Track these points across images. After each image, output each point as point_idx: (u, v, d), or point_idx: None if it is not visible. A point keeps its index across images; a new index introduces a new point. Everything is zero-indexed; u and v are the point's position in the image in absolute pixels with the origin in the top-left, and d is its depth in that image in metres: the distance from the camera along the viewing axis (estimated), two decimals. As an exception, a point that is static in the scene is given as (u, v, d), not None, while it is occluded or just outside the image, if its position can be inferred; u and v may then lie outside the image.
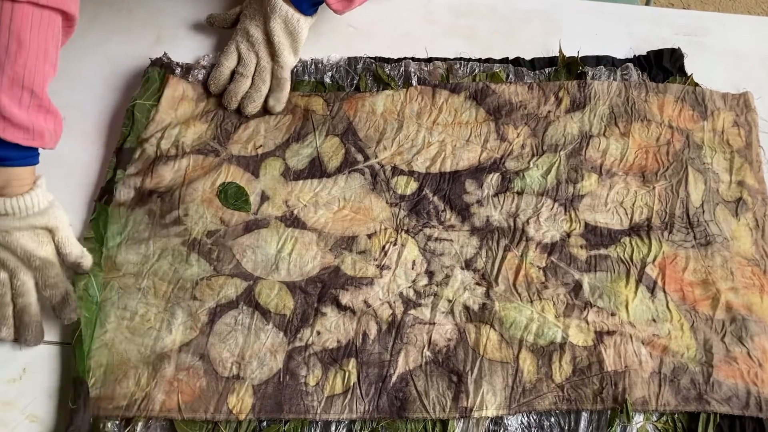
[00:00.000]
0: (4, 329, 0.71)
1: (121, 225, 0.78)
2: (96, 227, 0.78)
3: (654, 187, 0.81)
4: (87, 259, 0.74)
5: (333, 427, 0.68)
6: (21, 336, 0.71)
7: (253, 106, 0.85)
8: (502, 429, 0.68)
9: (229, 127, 0.85)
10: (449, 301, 0.74)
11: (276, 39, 0.84)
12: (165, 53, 0.89)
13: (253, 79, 0.86)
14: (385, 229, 0.78)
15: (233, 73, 0.87)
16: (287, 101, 0.87)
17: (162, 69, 0.88)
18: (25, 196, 0.70)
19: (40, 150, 0.73)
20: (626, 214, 0.79)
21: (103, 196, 0.80)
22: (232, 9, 0.91)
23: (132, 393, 0.68)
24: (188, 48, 0.92)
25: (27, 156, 0.71)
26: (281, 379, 0.69)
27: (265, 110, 0.86)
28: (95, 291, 0.74)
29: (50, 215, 0.71)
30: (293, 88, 0.88)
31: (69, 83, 0.87)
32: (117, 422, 0.68)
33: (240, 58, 0.86)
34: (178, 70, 0.89)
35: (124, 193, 0.80)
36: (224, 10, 0.92)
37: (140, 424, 0.68)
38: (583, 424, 0.69)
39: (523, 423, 0.69)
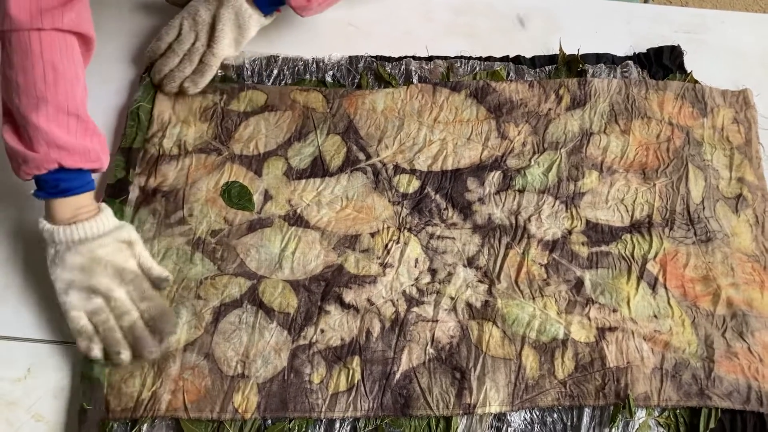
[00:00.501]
0: (123, 352, 0.69)
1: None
2: None
3: (654, 184, 0.81)
4: (166, 273, 0.73)
5: (337, 425, 0.69)
6: (140, 352, 0.69)
7: (172, 86, 0.85)
8: (505, 425, 0.69)
9: (229, 125, 0.85)
10: (452, 298, 0.74)
11: (219, 26, 0.83)
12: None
13: (182, 58, 0.85)
14: (388, 227, 0.78)
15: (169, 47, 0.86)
16: (285, 96, 0.87)
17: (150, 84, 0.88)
18: (99, 216, 0.71)
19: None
20: (627, 211, 0.80)
21: (111, 195, 0.80)
22: None
23: (139, 393, 0.69)
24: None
25: (86, 182, 0.72)
26: (286, 378, 0.70)
27: (180, 87, 0.86)
28: None
29: (126, 229, 0.72)
30: (293, 83, 0.89)
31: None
32: (125, 423, 0.69)
33: (179, 35, 0.86)
34: None
35: (130, 192, 0.80)
36: None
37: (146, 424, 0.68)
38: (585, 419, 0.69)
39: (526, 419, 0.70)
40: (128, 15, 0.95)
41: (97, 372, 0.70)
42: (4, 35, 0.67)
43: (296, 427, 0.68)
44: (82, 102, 0.71)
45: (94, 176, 0.74)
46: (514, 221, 0.79)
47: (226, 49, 0.85)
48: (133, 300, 0.70)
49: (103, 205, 0.73)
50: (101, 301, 0.70)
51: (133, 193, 0.80)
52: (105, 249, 0.70)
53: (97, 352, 0.69)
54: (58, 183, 0.70)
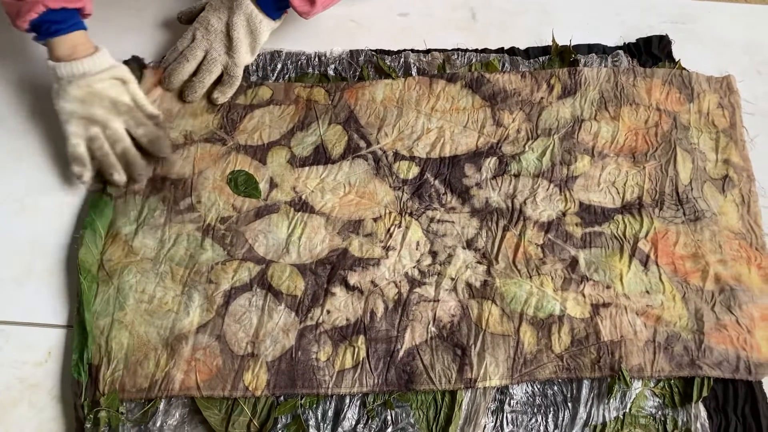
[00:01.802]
0: (116, 174, 0.80)
1: (137, 212, 0.81)
2: (92, 216, 0.81)
3: (644, 167, 0.84)
4: (158, 112, 0.83)
5: (347, 400, 0.71)
6: (131, 174, 0.80)
7: (194, 96, 0.88)
8: (507, 398, 0.72)
9: (234, 117, 0.88)
10: (452, 279, 0.77)
11: (235, 34, 0.86)
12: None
13: (199, 67, 0.88)
14: (390, 212, 0.81)
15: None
16: (290, 92, 0.89)
17: (136, 64, 0.91)
18: (97, 54, 0.81)
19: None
20: (618, 193, 0.83)
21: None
22: (199, 2, 0.92)
23: (153, 374, 0.71)
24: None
25: (75, 22, 0.80)
26: (293, 356, 0.72)
27: (209, 99, 0.89)
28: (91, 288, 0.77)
29: (121, 68, 0.82)
30: (297, 79, 0.91)
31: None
32: (141, 402, 0.71)
33: (192, 43, 0.88)
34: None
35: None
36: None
37: (162, 402, 0.71)
38: (584, 391, 0.72)
39: (527, 392, 0.72)
40: (139, 13, 0.98)
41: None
42: None
43: (307, 404, 0.71)
44: None
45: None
46: (510, 204, 0.82)
47: (246, 57, 0.88)
48: (129, 128, 0.81)
49: (101, 47, 0.81)
50: (98, 130, 0.80)
51: (141, 182, 0.83)
52: (102, 84, 0.80)
53: (87, 177, 0.80)
54: (50, 25, 0.79)
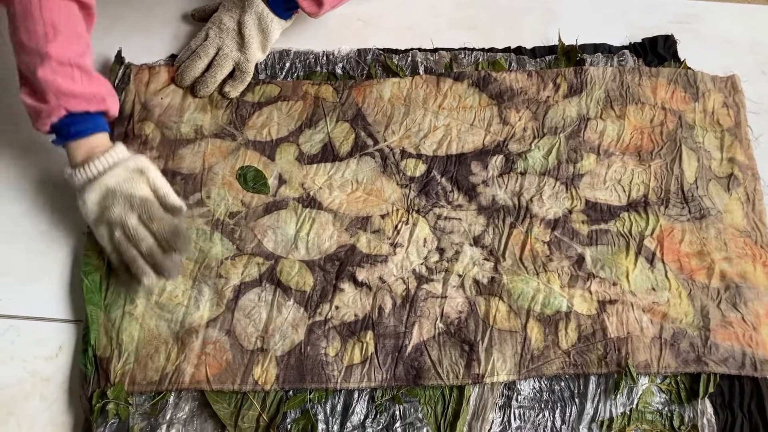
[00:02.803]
0: (144, 278, 0.73)
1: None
2: None
3: (650, 166, 0.85)
4: (180, 203, 0.77)
5: (356, 395, 0.72)
6: (162, 275, 0.73)
7: (205, 90, 0.89)
8: (515, 393, 0.73)
9: (244, 113, 0.88)
10: (460, 275, 0.78)
11: (247, 32, 0.88)
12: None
13: (211, 63, 0.89)
14: (397, 209, 0.82)
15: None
16: (298, 89, 0.90)
17: (120, 65, 0.92)
18: (110, 151, 0.75)
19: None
20: (624, 191, 0.83)
21: None
22: (213, 1, 0.95)
23: (163, 367, 0.72)
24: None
25: (97, 125, 0.77)
26: (302, 351, 0.73)
27: (220, 93, 0.90)
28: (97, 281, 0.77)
29: (136, 159, 0.76)
30: (305, 77, 0.92)
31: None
32: (151, 395, 0.72)
33: (205, 41, 0.90)
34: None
35: None
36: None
37: (172, 396, 0.71)
38: (591, 387, 0.73)
39: (534, 387, 0.73)
40: (148, 12, 0.98)
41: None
42: (9, 2, 0.72)
43: (317, 398, 0.72)
44: (84, 55, 0.75)
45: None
46: (517, 202, 0.83)
47: (257, 53, 0.89)
48: (145, 224, 0.74)
49: (118, 142, 0.77)
50: (119, 233, 0.74)
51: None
52: (115, 179, 0.74)
53: (147, 281, 0.74)
54: (69, 128, 0.75)
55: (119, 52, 0.92)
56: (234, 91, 0.89)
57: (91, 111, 0.76)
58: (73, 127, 0.75)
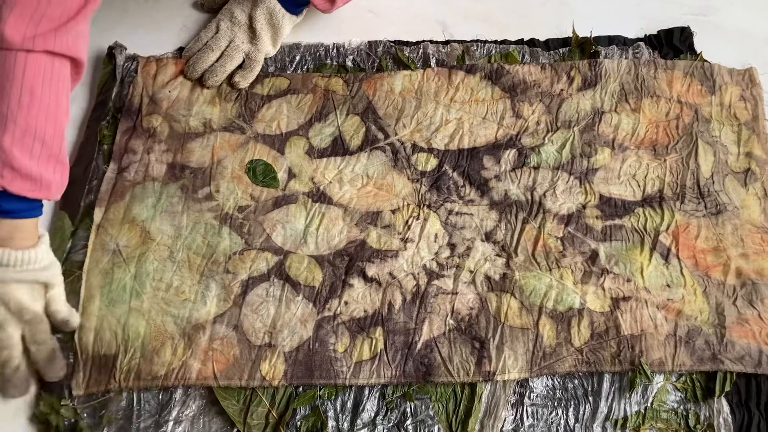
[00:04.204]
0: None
1: (155, 198, 0.81)
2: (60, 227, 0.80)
3: (665, 160, 0.83)
4: (75, 318, 0.72)
5: (366, 392, 0.71)
6: (3, 390, 0.69)
7: (214, 80, 0.88)
8: (527, 391, 0.71)
9: (253, 106, 0.88)
10: (471, 271, 0.77)
11: (258, 25, 0.88)
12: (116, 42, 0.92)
13: (222, 55, 0.89)
14: (408, 204, 0.81)
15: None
16: (308, 81, 0.89)
17: (111, 61, 0.91)
18: (31, 251, 0.68)
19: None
20: (639, 186, 0.82)
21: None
22: None
23: (170, 362, 0.71)
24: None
25: (32, 208, 0.70)
26: (311, 347, 0.72)
27: (230, 83, 0.89)
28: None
29: (51, 272, 0.70)
30: (315, 70, 0.91)
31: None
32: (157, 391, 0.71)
33: (216, 34, 0.89)
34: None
35: (156, 168, 0.83)
36: None
37: (179, 393, 0.71)
38: (605, 385, 0.72)
39: (547, 385, 0.72)
40: (156, 4, 0.98)
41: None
42: None
43: (326, 394, 0.71)
44: (55, 128, 0.70)
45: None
46: (529, 197, 0.81)
47: (268, 47, 0.89)
48: (25, 340, 0.69)
49: (44, 238, 0.71)
50: None
51: (157, 169, 0.83)
52: (17, 284, 0.68)
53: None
54: (1, 203, 0.68)
55: (110, 49, 0.91)
56: (243, 81, 0.88)
57: (29, 197, 0.69)
58: (5, 204, 0.68)
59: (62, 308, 0.71)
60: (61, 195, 0.73)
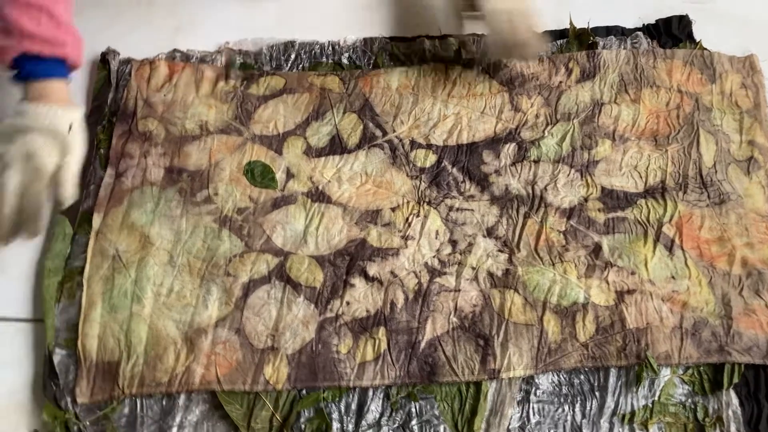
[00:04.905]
0: None
1: (153, 203, 0.80)
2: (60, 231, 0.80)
3: (666, 150, 0.83)
4: (69, 201, 0.74)
5: (370, 393, 0.71)
6: None
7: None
8: (533, 388, 0.71)
9: (249, 107, 0.87)
10: (473, 268, 0.76)
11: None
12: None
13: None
14: (408, 201, 0.80)
15: None
16: (303, 80, 0.88)
17: (105, 65, 0.90)
18: (54, 107, 0.72)
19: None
20: (641, 177, 0.81)
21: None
22: None
23: (173, 368, 0.71)
24: (206, 36, 0.94)
25: (54, 68, 0.74)
26: (314, 349, 0.72)
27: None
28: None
29: (74, 137, 0.73)
30: (311, 68, 0.90)
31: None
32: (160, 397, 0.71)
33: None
34: (194, 60, 0.91)
35: (154, 172, 0.82)
36: None
37: (182, 398, 0.70)
38: (612, 380, 0.71)
39: (553, 381, 0.71)
40: (150, 7, 0.97)
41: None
42: None
43: (330, 397, 0.70)
44: (57, 3, 0.73)
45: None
46: (530, 191, 0.81)
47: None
48: (23, 183, 0.71)
49: (79, 109, 0.75)
50: None
51: (155, 174, 0.82)
52: (33, 134, 0.71)
53: None
54: (26, 67, 0.73)
55: (104, 55, 0.90)
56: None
57: (45, 54, 0.73)
58: (27, 67, 0.73)
59: (69, 181, 0.73)
60: (79, 59, 0.76)
